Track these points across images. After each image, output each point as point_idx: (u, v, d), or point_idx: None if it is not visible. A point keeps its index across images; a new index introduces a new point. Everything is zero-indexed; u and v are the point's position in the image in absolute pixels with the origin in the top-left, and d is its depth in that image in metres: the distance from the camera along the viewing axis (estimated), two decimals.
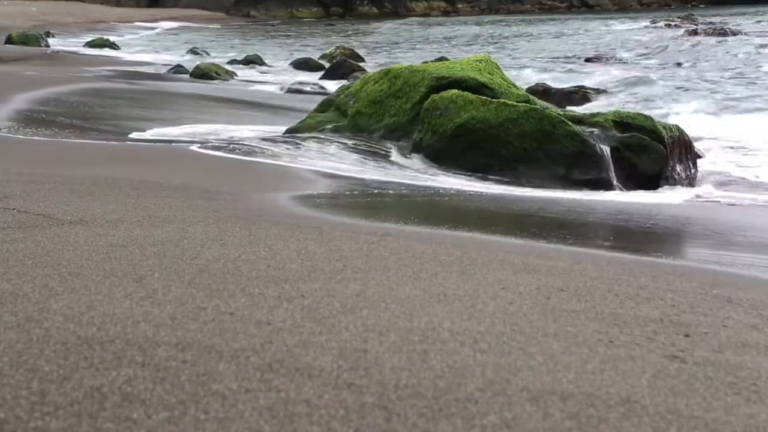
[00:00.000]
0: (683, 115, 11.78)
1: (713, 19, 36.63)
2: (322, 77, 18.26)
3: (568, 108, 10.04)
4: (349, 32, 38.07)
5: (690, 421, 1.89)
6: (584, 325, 2.54)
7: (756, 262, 4.18)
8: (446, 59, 15.28)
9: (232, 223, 3.94)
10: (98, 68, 17.24)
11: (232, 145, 7.45)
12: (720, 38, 27.89)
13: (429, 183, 6.72)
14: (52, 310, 2.40)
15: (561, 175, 7.04)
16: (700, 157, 8.19)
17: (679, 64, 20.81)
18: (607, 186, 7.00)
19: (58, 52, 21.63)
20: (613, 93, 15.42)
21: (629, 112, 7.75)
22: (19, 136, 7.51)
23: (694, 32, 29.54)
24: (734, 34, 29.35)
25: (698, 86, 16.13)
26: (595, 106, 13.24)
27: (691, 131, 8.22)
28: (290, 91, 15.33)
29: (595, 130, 7.24)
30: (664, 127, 7.46)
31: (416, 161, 7.52)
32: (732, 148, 9.54)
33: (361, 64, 20.15)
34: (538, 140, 7.16)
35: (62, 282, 2.73)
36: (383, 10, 59.46)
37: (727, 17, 39.25)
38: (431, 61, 12.51)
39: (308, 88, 15.51)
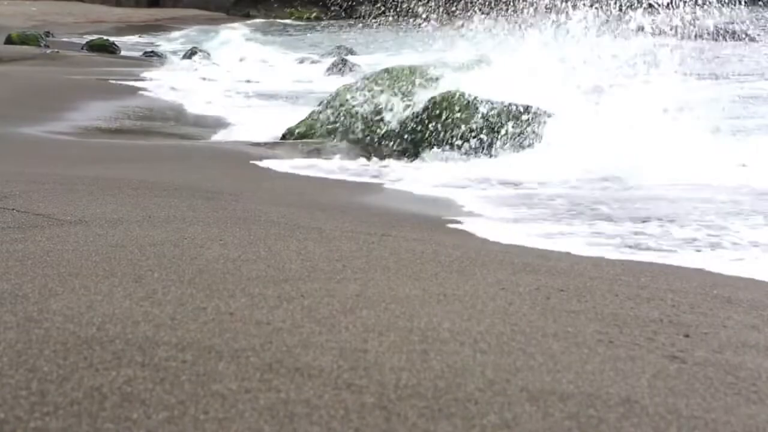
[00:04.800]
0: None
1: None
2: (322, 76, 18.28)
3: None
4: (349, 32, 38.11)
5: (690, 421, 1.89)
6: (584, 325, 2.54)
7: None
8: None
9: (232, 224, 3.94)
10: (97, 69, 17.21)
11: None
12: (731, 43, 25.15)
13: None
14: (52, 310, 2.40)
15: None
16: None
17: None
18: None
19: (57, 52, 21.61)
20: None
21: None
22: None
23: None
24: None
25: None
26: None
27: None
28: (289, 97, 15.33)
29: None
30: None
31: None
32: None
33: (361, 63, 20.14)
34: None
35: (62, 282, 2.73)
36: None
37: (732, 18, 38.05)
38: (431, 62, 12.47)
39: (309, 87, 15.51)
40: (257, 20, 49.52)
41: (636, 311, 2.76)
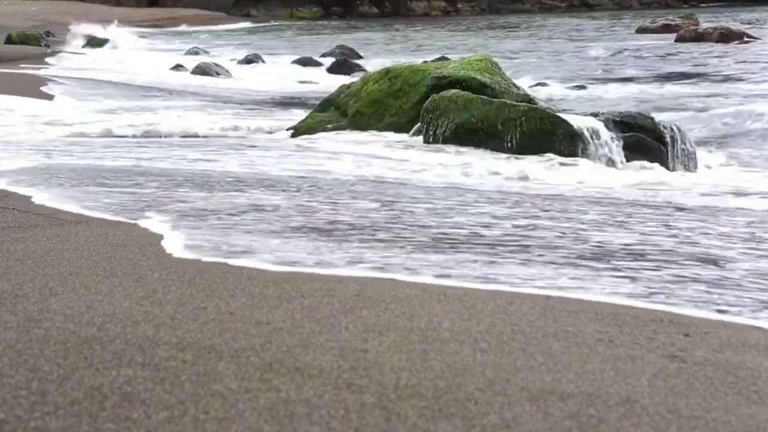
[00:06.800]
0: None
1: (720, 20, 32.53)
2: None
3: (569, 107, 10.03)
4: (349, 32, 38.11)
5: (690, 421, 1.89)
6: (584, 325, 2.54)
7: None
8: (446, 59, 15.25)
9: None
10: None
11: None
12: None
13: None
14: (52, 310, 2.40)
15: None
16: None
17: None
18: None
19: (58, 51, 21.62)
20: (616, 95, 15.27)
21: (630, 112, 7.75)
22: None
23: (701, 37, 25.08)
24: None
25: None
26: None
27: None
28: (287, 100, 15.31)
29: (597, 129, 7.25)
30: (665, 127, 7.47)
31: None
32: None
33: (361, 63, 20.15)
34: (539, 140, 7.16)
35: (62, 281, 2.73)
36: (383, 10, 59.57)
37: (731, 18, 37.00)
38: (431, 61, 12.48)
39: (310, 87, 15.52)
40: (247, 23, 49.58)
41: (636, 311, 2.76)
